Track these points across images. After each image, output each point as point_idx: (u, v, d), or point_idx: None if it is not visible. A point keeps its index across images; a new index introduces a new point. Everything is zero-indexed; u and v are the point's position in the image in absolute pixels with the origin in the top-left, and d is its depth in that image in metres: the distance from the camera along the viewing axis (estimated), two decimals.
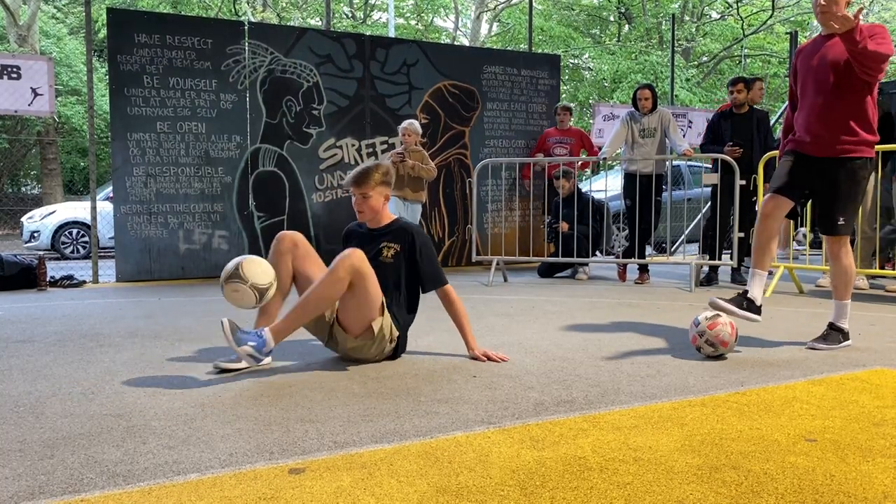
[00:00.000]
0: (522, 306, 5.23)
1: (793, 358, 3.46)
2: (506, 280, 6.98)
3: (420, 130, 6.97)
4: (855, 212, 3.67)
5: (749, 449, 2.17)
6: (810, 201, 3.90)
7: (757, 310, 3.64)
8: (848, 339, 3.74)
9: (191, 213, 7.16)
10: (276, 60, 7.45)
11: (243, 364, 3.24)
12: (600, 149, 7.51)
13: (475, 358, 3.43)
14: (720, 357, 3.47)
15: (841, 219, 3.62)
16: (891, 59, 3.45)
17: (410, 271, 3.50)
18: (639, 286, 6.60)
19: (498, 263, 7.05)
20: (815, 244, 8.28)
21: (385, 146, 7.95)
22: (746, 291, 3.67)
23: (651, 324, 4.43)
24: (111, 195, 7.46)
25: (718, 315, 3.50)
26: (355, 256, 3.14)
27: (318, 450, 2.17)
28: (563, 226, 7.20)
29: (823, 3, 3.39)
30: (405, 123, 6.87)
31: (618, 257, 7.34)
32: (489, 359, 3.41)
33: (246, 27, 7.36)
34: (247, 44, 7.31)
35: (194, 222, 7.18)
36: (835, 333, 3.71)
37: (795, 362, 3.36)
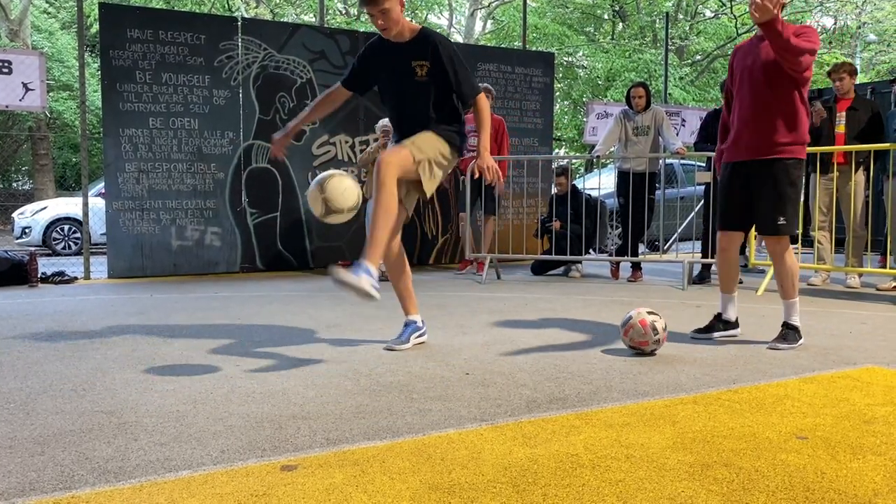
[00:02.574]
0: (515, 304, 5.23)
1: (784, 356, 3.47)
2: (499, 277, 6.99)
3: None
4: (795, 212, 3.69)
5: (740, 446, 2.18)
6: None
7: (733, 325, 3.95)
8: (801, 336, 3.76)
9: (183, 210, 7.14)
10: (270, 56, 7.42)
11: (414, 340, 3.68)
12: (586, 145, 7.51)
13: (479, 167, 3.54)
14: (643, 354, 3.49)
15: (781, 219, 3.64)
16: (817, 52, 3.47)
17: (445, 83, 3.50)
18: (632, 284, 6.61)
19: (491, 261, 7.05)
20: (806, 243, 8.31)
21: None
22: (720, 314, 3.95)
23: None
24: (103, 191, 7.45)
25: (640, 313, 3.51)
26: (388, 161, 3.29)
27: (310, 447, 2.17)
28: (556, 224, 7.21)
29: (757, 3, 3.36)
30: (382, 122, 6.88)
31: (611, 255, 7.36)
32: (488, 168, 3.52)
33: (239, 23, 7.34)
34: (240, 39, 7.29)
35: (187, 218, 7.16)
36: (791, 332, 3.73)
37: (787, 360, 3.38)
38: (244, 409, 2.56)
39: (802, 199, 8.05)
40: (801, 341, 3.73)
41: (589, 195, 7.33)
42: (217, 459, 2.07)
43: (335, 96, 3.77)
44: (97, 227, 9.86)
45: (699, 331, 3.96)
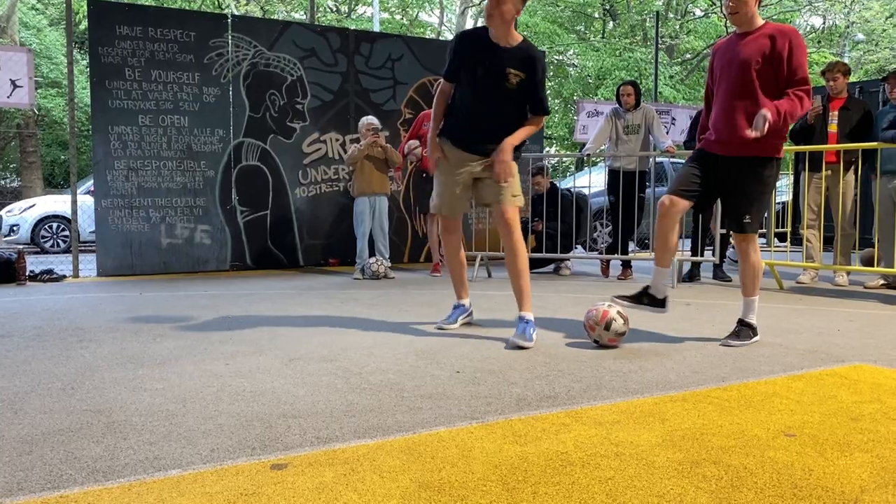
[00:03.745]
0: (506, 301, 5.24)
1: (773, 353, 3.49)
2: (489, 275, 6.99)
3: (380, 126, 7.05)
4: (761, 210, 3.70)
5: (729, 444, 2.19)
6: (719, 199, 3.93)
7: (661, 303, 3.85)
8: (756, 334, 3.78)
9: (173, 208, 7.11)
10: (260, 54, 7.40)
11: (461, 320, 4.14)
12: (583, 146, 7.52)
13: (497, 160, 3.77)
14: (601, 345, 3.61)
15: (747, 217, 3.66)
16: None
17: (526, 96, 3.78)
18: (622, 282, 6.63)
19: (482, 259, 7.05)
20: (796, 241, 8.35)
21: None
22: (648, 287, 3.88)
23: (633, 320, 4.45)
24: (92, 189, 7.40)
25: (623, 334, 3.63)
26: (516, 220, 3.82)
27: (300, 445, 2.17)
28: (537, 225, 7.23)
29: (731, 4, 3.54)
30: (371, 120, 6.90)
31: (601, 253, 7.38)
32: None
33: (229, 20, 7.31)
34: (230, 37, 7.27)
35: (176, 216, 7.13)
36: (745, 330, 3.75)
37: (775, 358, 3.40)
38: (234, 408, 2.55)
39: (793, 197, 8.10)
40: (755, 339, 3.75)
41: (567, 191, 7.34)
42: (207, 458, 2.06)
43: (446, 90, 3.90)
44: (86, 224, 9.82)
45: (624, 297, 3.81)
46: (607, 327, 3.59)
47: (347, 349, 3.56)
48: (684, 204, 3.73)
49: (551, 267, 7.55)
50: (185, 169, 7.14)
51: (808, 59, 3.53)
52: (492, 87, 3.72)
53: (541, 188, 7.29)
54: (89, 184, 10.04)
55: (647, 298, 3.85)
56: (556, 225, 7.17)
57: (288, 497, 1.80)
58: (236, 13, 20.03)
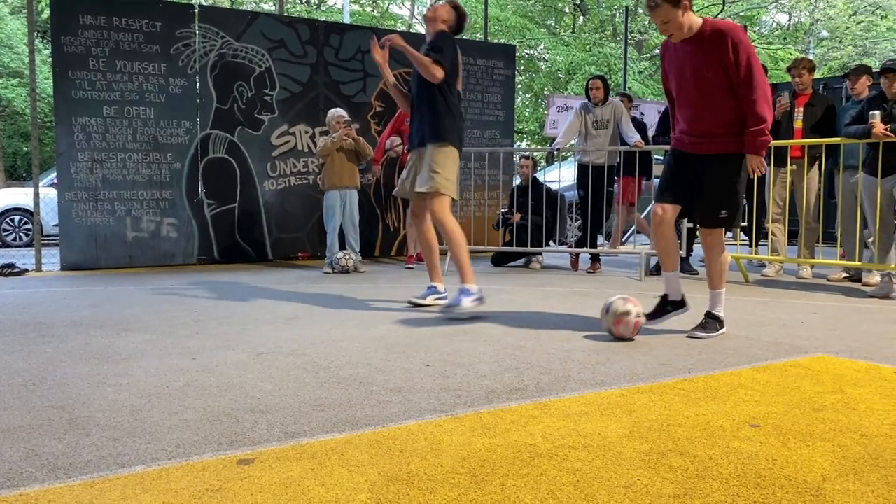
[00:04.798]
0: None
1: (738, 345, 3.54)
2: None
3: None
4: (737, 205, 3.77)
5: (695, 435, 2.22)
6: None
7: (682, 304, 3.94)
8: (723, 326, 3.84)
9: (139, 200, 7.00)
10: (228, 45, 7.31)
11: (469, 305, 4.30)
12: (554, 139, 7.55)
13: None
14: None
15: (724, 212, 3.73)
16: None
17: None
18: (591, 275, 6.68)
19: None
20: (761, 235, 8.48)
21: None
22: (666, 296, 3.95)
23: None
24: (55, 181, 7.26)
25: (627, 313, 3.63)
26: None
27: (267, 440, 2.15)
28: (516, 217, 7.25)
29: (663, 28, 3.64)
30: (341, 112, 6.86)
31: (570, 247, 7.42)
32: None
33: (196, 10, 7.20)
34: (197, 27, 7.16)
35: (142, 209, 7.02)
36: (712, 322, 3.81)
37: (741, 350, 3.45)
38: (200, 403, 2.52)
39: (758, 191, 8.21)
40: (721, 331, 3.80)
41: (549, 187, 7.37)
42: (172, 454, 2.03)
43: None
44: (49, 217, 9.62)
45: (650, 315, 3.92)
46: (607, 310, 3.65)
47: (316, 343, 3.53)
48: (676, 209, 3.84)
49: (522, 261, 7.58)
50: (151, 161, 7.03)
51: (755, 50, 3.59)
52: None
53: (526, 172, 7.32)
54: (52, 176, 9.84)
55: (671, 305, 3.94)
56: (535, 218, 7.19)
57: (254, 492, 1.78)
58: (204, 3, 19.75)
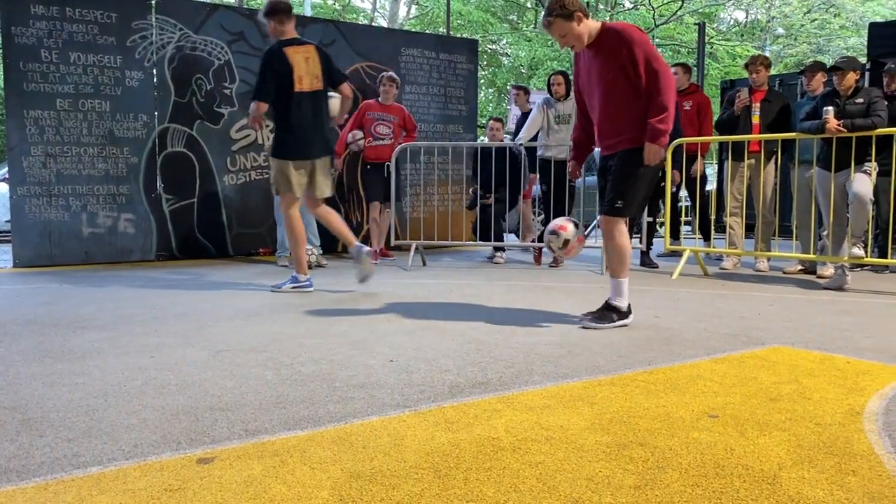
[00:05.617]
0: (440, 290, 5.24)
1: (697, 337, 3.60)
2: (424, 264, 6.99)
3: None
4: (634, 197, 3.85)
5: (655, 426, 2.24)
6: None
7: (628, 313, 3.93)
8: (625, 317, 3.89)
9: (94, 196, 6.84)
10: (186, 37, 7.17)
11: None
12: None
13: None
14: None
15: (619, 202, 3.82)
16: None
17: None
18: (553, 269, 6.72)
19: (417, 248, 7.04)
20: (719, 229, 8.62)
21: None
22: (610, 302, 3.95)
23: (564, 305, 4.52)
24: (7, 176, 7.05)
25: (567, 241, 4.02)
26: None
27: (228, 438, 2.12)
28: (489, 200, 7.27)
29: (560, 40, 3.77)
30: None
31: (534, 241, 7.46)
32: None
33: (153, 1, 7.05)
34: (154, 19, 7.02)
35: (98, 205, 6.87)
36: (608, 313, 3.87)
37: (700, 341, 3.50)
38: (159, 402, 2.47)
39: (716, 186, 8.34)
40: (621, 322, 3.86)
41: (512, 149, 7.31)
42: (129, 454, 1.99)
43: None
44: (1, 213, 9.36)
45: (589, 315, 3.94)
46: (552, 245, 4.03)
47: (278, 340, 3.50)
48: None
49: (486, 255, 7.60)
50: (107, 155, 6.87)
51: (653, 45, 3.68)
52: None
53: (498, 135, 7.36)
54: (4, 171, 9.57)
55: (617, 315, 3.92)
56: (499, 207, 7.19)
57: (214, 491, 1.75)
58: None
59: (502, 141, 7.41)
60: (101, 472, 1.87)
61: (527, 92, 8.10)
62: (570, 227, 4.06)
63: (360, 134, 7.19)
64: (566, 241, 4.04)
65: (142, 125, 7.01)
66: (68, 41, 6.63)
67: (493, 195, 7.18)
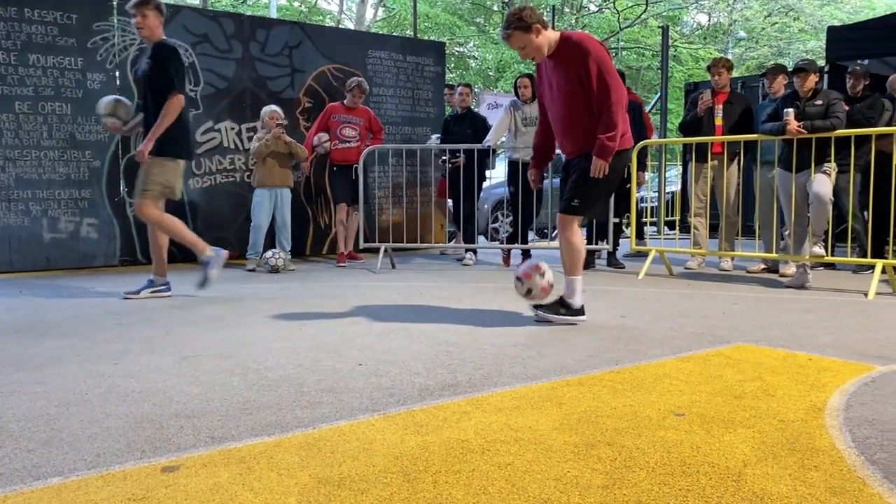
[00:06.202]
0: (410, 292, 5.23)
1: (663, 336, 3.64)
2: (393, 266, 6.97)
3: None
4: (591, 198, 3.92)
5: (622, 425, 2.26)
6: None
7: (579, 313, 3.99)
8: (578, 314, 3.96)
9: (56, 200, 6.71)
10: None
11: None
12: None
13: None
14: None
15: (575, 201, 3.91)
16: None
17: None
18: None
19: (386, 250, 7.02)
20: (684, 229, 8.74)
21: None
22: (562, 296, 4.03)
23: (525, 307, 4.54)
24: None
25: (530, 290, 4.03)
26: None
27: (193, 446, 2.09)
28: (460, 160, 7.29)
29: (520, 52, 3.80)
30: (275, 109, 6.79)
31: (502, 243, 7.48)
32: None
33: (115, 2, 6.94)
34: (116, 20, 6.90)
35: (60, 210, 6.73)
36: (558, 307, 3.95)
37: (665, 341, 3.54)
38: (122, 410, 2.43)
39: (680, 187, 8.44)
40: (566, 318, 3.93)
41: (480, 115, 7.55)
42: (92, 464, 1.96)
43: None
44: None
45: (541, 306, 4.04)
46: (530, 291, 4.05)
47: (245, 345, 3.46)
48: (576, 219, 4.03)
49: (454, 257, 7.60)
50: (68, 159, 6.74)
51: (608, 58, 3.75)
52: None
53: (467, 102, 7.53)
54: None
55: (564, 309, 3.99)
56: (468, 206, 7.22)
57: (179, 500, 1.73)
58: None
59: (470, 107, 7.61)
60: (63, 482, 1.83)
61: (451, 88, 8.18)
62: (536, 277, 4.01)
63: (325, 136, 7.16)
64: (529, 290, 4.03)
65: (104, 128, 6.89)
66: (27, 42, 6.49)
67: (461, 157, 7.24)
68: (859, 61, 8.16)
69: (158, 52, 4.78)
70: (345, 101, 7.28)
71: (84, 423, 2.30)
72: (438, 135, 7.59)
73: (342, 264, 7.15)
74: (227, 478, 1.86)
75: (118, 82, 6.94)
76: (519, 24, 3.72)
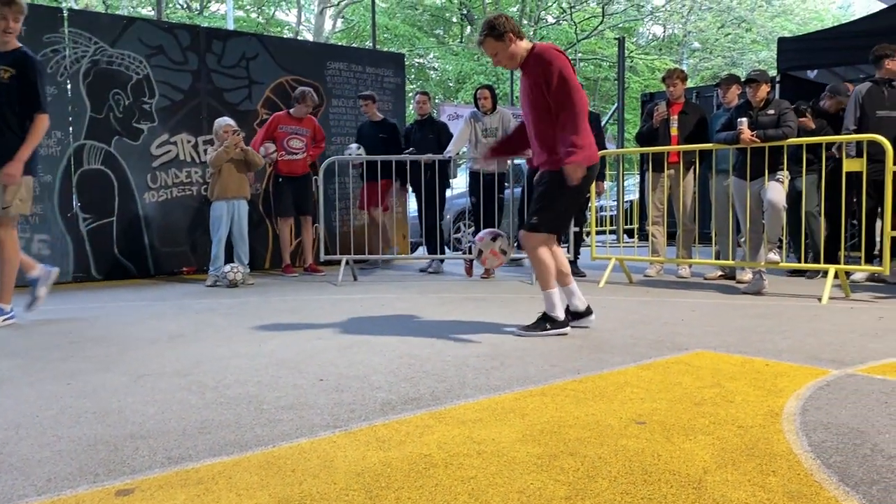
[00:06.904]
0: (371, 304, 5.20)
1: (624, 344, 3.67)
2: (355, 279, 6.93)
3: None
4: (553, 215, 3.94)
5: (585, 435, 2.27)
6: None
7: (564, 323, 3.99)
8: (561, 326, 3.97)
9: None
10: (101, 51, 6.94)
11: None
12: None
13: None
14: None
15: (535, 218, 3.94)
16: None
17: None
18: (484, 280, 6.76)
19: (347, 262, 6.98)
20: (642, 237, 8.85)
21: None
22: (567, 308, 4.05)
23: (496, 316, 4.54)
24: None
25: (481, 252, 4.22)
26: None
27: (149, 468, 2.03)
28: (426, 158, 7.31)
29: (493, 58, 3.93)
30: (228, 121, 6.64)
31: (465, 253, 7.49)
32: None
33: (65, 14, 6.80)
34: (67, 31, 6.76)
35: None
36: (542, 322, 3.97)
37: (626, 348, 3.57)
38: (75, 432, 2.36)
39: (638, 196, 8.56)
40: (552, 331, 3.94)
41: (441, 121, 7.66)
42: (42, 489, 1.89)
43: None
44: None
45: (526, 328, 4.02)
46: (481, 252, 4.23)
47: (202, 362, 3.39)
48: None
49: (418, 266, 7.59)
50: None
51: (570, 70, 3.78)
52: None
53: (425, 110, 7.60)
54: None
55: (550, 323, 3.97)
56: (430, 215, 7.22)
57: None
58: (76, 6, 18.73)
59: (431, 114, 7.78)
60: None
61: (374, 101, 8.09)
62: (487, 238, 4.21)
63: (272, 147, 7.11)
64: (480, 252, 4.21)
65: (55, 142, 6.73)
66: None
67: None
68: (808, 72, 8.39)
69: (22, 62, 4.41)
70: (291, 111, 7.24)
71: (34, 446, 2.22)
72: (359, 144, 7.58)
73: (292, 274, 7.19)
74: (183, 499, 1.81)
75: (70, 95, 6.80)
76: (491, 32, 3.78)
